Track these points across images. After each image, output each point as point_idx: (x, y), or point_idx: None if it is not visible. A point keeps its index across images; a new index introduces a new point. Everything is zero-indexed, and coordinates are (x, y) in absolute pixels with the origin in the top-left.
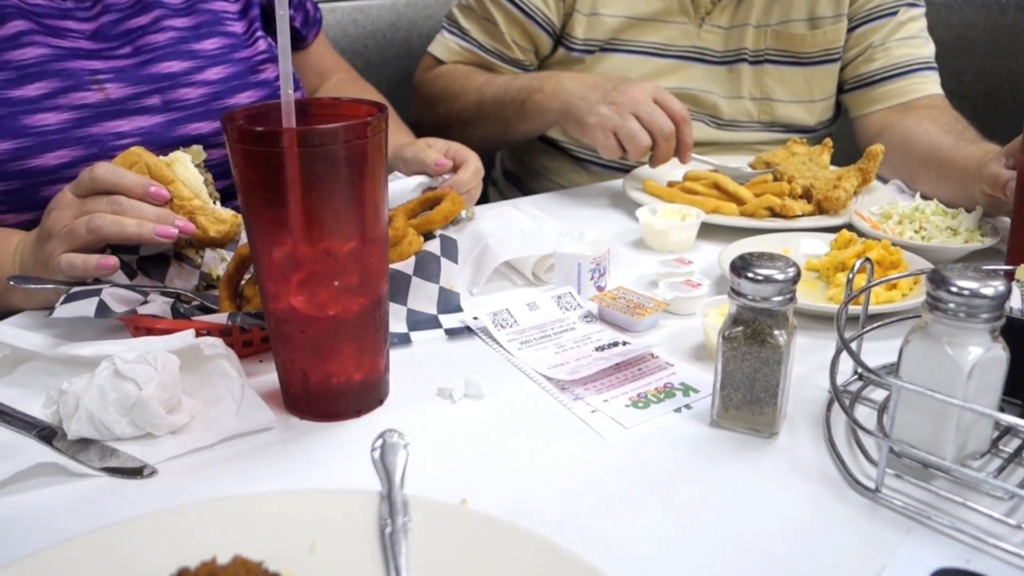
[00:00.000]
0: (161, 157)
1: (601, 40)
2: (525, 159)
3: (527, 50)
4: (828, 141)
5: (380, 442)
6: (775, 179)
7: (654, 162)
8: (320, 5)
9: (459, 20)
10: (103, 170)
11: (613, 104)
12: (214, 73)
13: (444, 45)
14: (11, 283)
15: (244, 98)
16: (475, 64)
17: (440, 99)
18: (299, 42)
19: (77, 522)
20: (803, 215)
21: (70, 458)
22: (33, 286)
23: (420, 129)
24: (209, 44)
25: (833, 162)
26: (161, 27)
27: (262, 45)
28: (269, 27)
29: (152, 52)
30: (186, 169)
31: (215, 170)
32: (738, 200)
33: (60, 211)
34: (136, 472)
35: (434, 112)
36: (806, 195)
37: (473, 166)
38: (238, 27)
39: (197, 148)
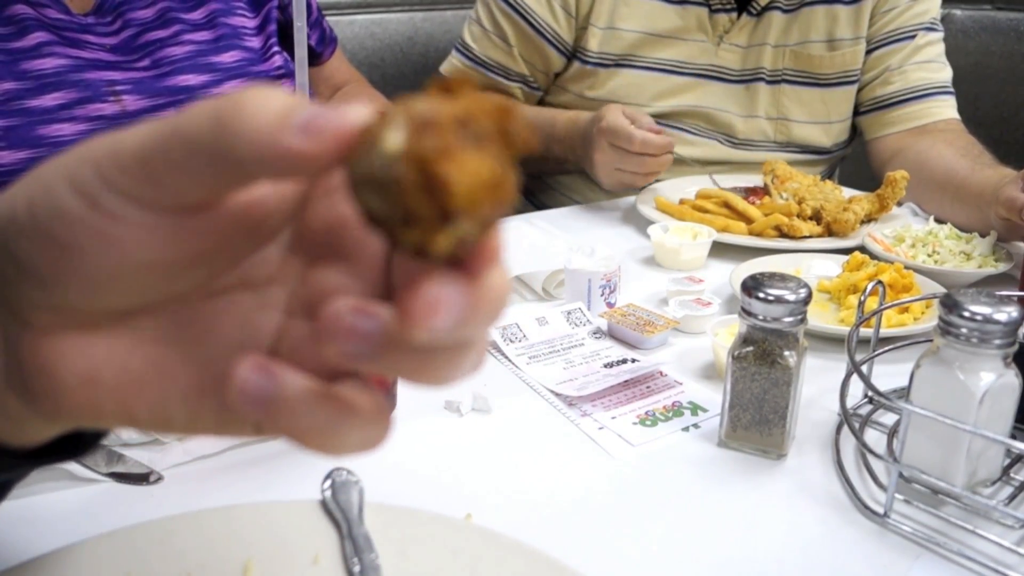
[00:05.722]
0: None
1: (616, 55)
2: (539, 174)
3: (535, 67)
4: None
5: (329, 483)
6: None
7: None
8: (338, 18)
9: (465, 38)
10: None
11: (600, 148)
12: (231, 87)
13: (450, 63)
14: None
15: None
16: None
17: None
18: (314, 59)
19: (82, 527)
20: (810, 236)
21: (76, 462)
22: None
23: None
24: (227, 58)
25: (847, 183)
26: (180, 40)
27: (278, 60)
28: (285, 43)
29: (170, 65)
30: None
31: None
32: (747, 219)
33: None
34: (142, 478)
35: None
36: (816, 217)
37: None
38: (255, 42)
39: None
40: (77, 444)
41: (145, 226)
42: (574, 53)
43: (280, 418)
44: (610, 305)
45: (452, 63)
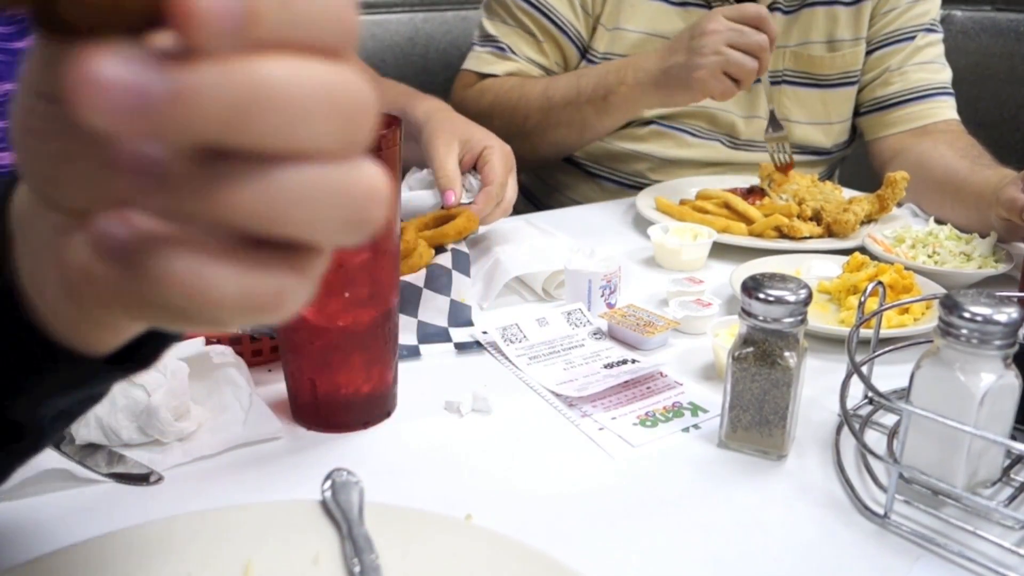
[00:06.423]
0: None
1: (620, 55)
2: (540, 174)
3: (558, 64)
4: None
5: (329, 483)
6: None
7: (760, 72)
8: None
9: (491, 32)
10: None
11: (703, 51)
12: None
13: (480, 59)
14: None
15: None
16: (513, 74)
17: (492, 113)
18: None
19: (82, 527)
20: (810, 237)
21: (77, 463)
22: None
23: None
24: None
25: (847, 185)
26: None
27: None
28: None
29: None
30: None
31: None
32: (747, 220)
33: None
34: (143, 479)
35: (488, 127)
36: (816, 217)
37: (494, 193)
38: None
39: None
40: (144, 353)
41: (36, 112)
42: (585, 53)
43: (137, 266)
44: (610, 306)
45: (482, 58)
